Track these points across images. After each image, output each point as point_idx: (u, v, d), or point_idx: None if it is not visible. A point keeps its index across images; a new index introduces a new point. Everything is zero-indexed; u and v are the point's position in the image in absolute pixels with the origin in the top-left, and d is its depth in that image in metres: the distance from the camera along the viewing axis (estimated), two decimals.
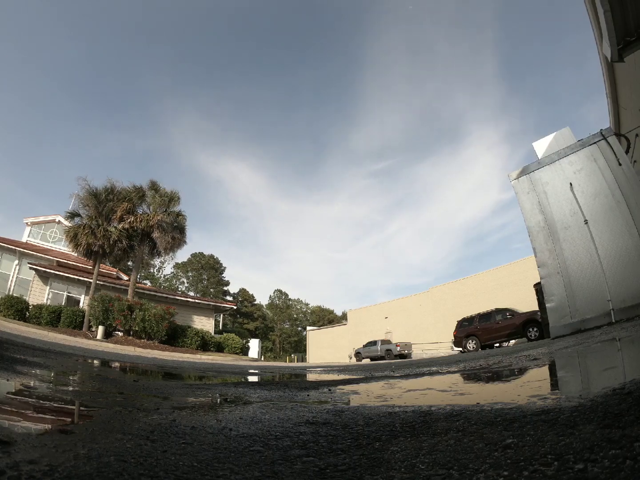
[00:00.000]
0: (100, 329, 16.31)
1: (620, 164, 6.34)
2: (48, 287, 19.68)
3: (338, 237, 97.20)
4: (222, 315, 31.49)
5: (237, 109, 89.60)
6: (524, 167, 7.79)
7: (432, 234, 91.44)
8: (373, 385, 3.51)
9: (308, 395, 2.81)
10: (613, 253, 6.05)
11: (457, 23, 73.16)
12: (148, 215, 19.67)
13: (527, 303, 15.81)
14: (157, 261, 46.81)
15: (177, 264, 54.41)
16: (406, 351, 23.19)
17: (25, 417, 1.46)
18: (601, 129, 6.83)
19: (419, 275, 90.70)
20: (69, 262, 21.65)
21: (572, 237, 6.62)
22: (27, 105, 69.07)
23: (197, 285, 58.36)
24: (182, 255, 70.61)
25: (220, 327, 30.72)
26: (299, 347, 57.28)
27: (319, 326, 47.41)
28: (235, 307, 33.76)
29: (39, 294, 19.22)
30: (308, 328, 45.27)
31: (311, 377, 6.02)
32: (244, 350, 23.82)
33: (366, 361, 21.76)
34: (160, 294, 23.88)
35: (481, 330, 14.92)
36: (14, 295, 17.60)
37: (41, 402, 1.89)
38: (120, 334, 17.12)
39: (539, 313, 11.15)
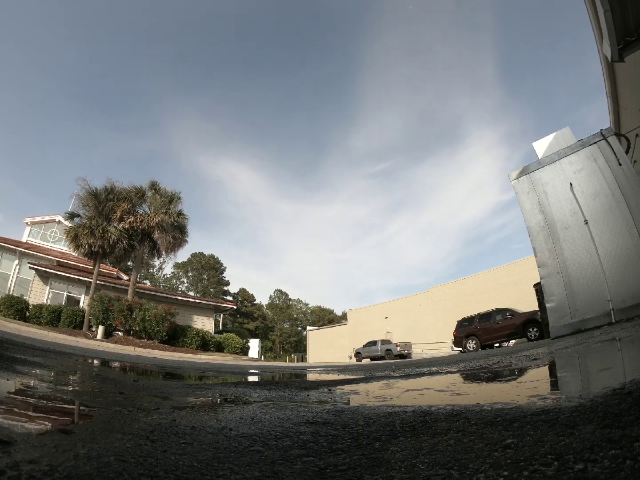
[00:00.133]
0: (100, 328, 16.32)
1: (620, 164, 6.33)
2: (48, 287, 19.69)
3: (338, 237, 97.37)
4: (222, 315, 31.50)
5: (236, 109, 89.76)
6: (524, 167, 7.79)
7: (432, 235, 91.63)
8: (373, 385, 3.51)
9: (308, 395, 2.81)
10: (613, 253, 6.05)
11: (456, 24, 73.25)
12: (148, 216, 19.67)
13: (527, 303, 15.81)
14: (157, 261, 46.84)
15: (177, 264, 54.46)
16: (406, 351, 23.19)
17: (25, 417, 1.46)
18: (601, 129, 6.82)
19: (419, 276, 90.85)
20: (69, 262, 21.65)
21: (572, 237, 6.62)
22: (27, 105, 69.15)
23: (197, 285, 58.39)
24: (182, 255, 70.75)
25: (221, 327, 30.73)
26: (299, 347, 57.28)
27: (319, 326, 47.41)
28: (235, 307, 33.77)
29: (39, 294, 19.22)
30: (308, 328, 45.27)
31: (311, 377, 6.02)
32: (244, 350, 23.82)
33: (366, 361, 21.76)
34: (160, 294, 23.88)
35: (481, 330, 14.91)
36: (14, 295, 17.61)
37: (41, 401, 1.89)
38: (120, 333, 17.12)
39: (539, 313, 11.15)
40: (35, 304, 17.49)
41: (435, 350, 24.31)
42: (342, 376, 5.47)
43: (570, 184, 6.86)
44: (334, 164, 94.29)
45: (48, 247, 23.41)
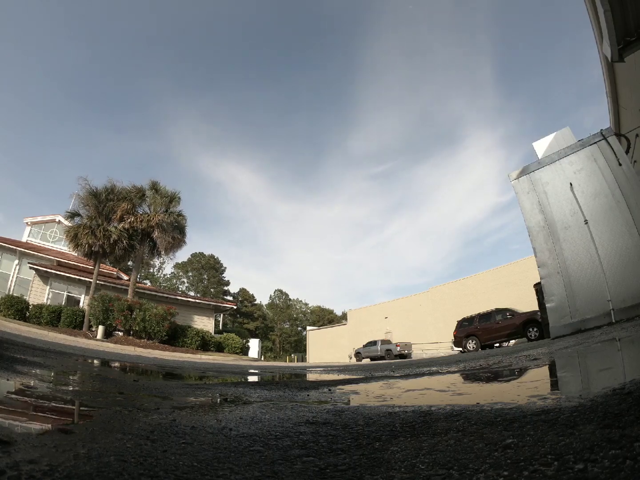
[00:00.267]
0: (101, 328, 16.32)
1: (620, 164, 6.33)
2: (48, 287, 19.69)
3: (338, 238, 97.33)
4: (222, 315, 31.51)
5: (236, 110, 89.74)
6: (524, 167, 7.79)
7: (432, 235, 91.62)
8: (373, 385, 3.51)
9: (308, 395, 2.81)
10: (613, 253, 6.05)
11: (455, 25, 73.25)
12: (148, 216, 19.67)
13: (527, 303, 15.81)
14: (157, 261, 46.87)
15: (177, 263, 54.50)
16: (406, 351, 23.19)
17: (25, 417, 1.46)
18: (601, 129, 6.82)
19: (419, 276, 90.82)
20: (69, 262, 21.65)
21: (572, 237, 6.62)
22: (27, 105, 69.15)
23: (197, 285, 58.38)
24: (182, 255, 70.70)
25: (221, 327, 30.73)
26: (299, 347, 57.27)
27: (319, 326, 47.40)
28: (235, 307, 33.78)
29: (39, 294, 19.22)
30: (308, 328, 45.26)
31: (311, 377, 6.02)
32: (244, 350, 23.82)
33: (366, 361, 21.76)
34: (160, 294, 23.88)
35: (481, 330, 14.91)
36: (14, 295, 17.61)
37: (41, 401, 1.89)
38: (121, 333, 17.12)
39: (539, 313, 11.15)
40: (35, 304, 17.49)
41: (435, 350, 24.31)
42: (342, 376, 5.48)
43: (570, 184, 6.86)
44: (333, 165, 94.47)
45: (48, 247, 23.41)
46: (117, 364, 6.33)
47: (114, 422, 1.43)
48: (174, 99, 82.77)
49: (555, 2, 62.67)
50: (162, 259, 26.91)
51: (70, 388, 2.66)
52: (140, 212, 20.19)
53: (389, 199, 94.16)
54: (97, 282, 18.63)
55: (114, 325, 16.87)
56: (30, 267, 18.98)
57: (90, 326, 17.02)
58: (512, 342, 14.83)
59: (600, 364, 2.81)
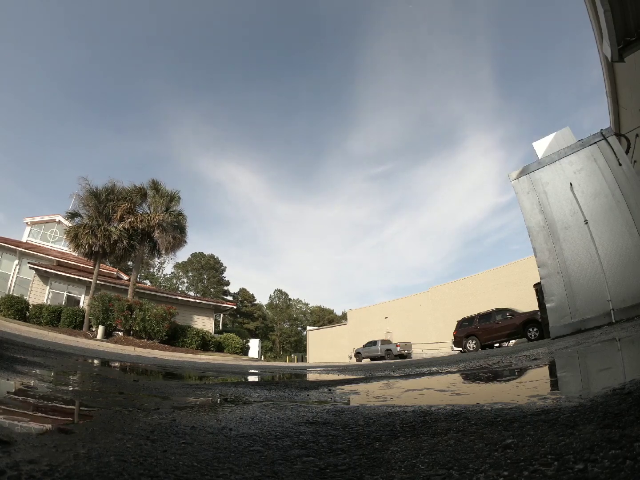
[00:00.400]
0: (100, 328, 16.31)
1: (620, 164, 6.33)
2: (48, 287, 19.69)
3: (338, 238, 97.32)
4: (222, 315, 31.50)
5: (236, 111, 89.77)
6: (524, 167, 7.79)
7: (432, 235, 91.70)
8: (373, 385, 3.51)
9: (308, 395, 2.81)
10: (613, 253, 6.05)
11: (454, 26, 73.26)
12: (149, 215, 19.66)
13: (527, 303, 15.81)
14: (157, 261, 46.88)
15: (177, 263, 54.49)
16: (406, 351, 23.19)
17: (25, 417, 1.46)
18: (601, 129, 6.82)
19: (419, 276, 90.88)
20: (69, 262, 21.65)
21: (572, 237, 6.62)
22: (28, 105, 69.15)
23: (197, 285, 58.37)
24: (182, 255, 70.74)
25: (221, 327, 30.74)
26: (299, 347, 57.27)
27: (319, 326, 47.40)
28: (235, 307, 33.77)
29: (39, 294, 19.22)
30: (308, 328, 45.25)
31: (311, 377, 6.02)
32: (244, 350, 23.82)
33: (366, 361, 21.76)
34: (160, 294, 23.88)
35: (481, 330, 14.91)
36: (14, 295, 17.61)
37: (41, 401, 1.89)
38: (121, 333, 17.12)
39: (539, 313, 11.15)
40: (35, 304, 17.49)
41: (435, 350, 24.31)
42: (342, 376, 5.47)
43: (570, 184, 6.86)
44: (333, 165, 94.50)
45: (48, 247, 23.41)
46: (117, 364, 6.33)
47: (114, 422, 1.43)
48: (174, 99, 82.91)
49: (555, 2, 62.72)
50: (162, 258, 26.91)
51: (70, 388, 2.66)
52: (141, 212, 20.18)
53: (388, 200, 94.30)
54: (97, 282, 18.62)
55: (114, 325, 16.87)
56: (30, 267, 18.98)
57: (90, 326, 17.02)
58: (512, 342, 14.82)
59: (600, 364, 2.81)
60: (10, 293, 18.37)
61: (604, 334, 4.62)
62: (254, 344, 31.02)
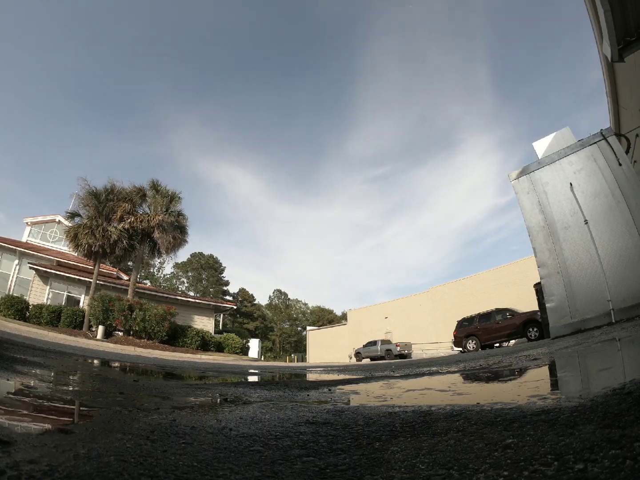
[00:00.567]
0: (100, 328, 16.31)
1: (620, 164, 6.33)
2: (48, 287, 19.69)
3: (338, 238, 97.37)
4: (222, 315, 31.49)
5: (236, 113, 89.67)
6: (524, 167, 7.79)
7: (431, 236, 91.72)
8: (373, 385, 3.51)
9: (308, 395, 2.81)
10: (613, 253, 6.05)
11: (451, 28, 73.28)
12: (149, 216, 19.66)
13: (527, 303, 15.81)
14: (157, 261, 46.85)
15: (177, 263, 54.37)
16: (406, 351, 23.19)
17: (25, 417, 1.46)
18: (601, 129, 6.82)
19: (418, 276, 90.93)
20: (69, 262, 21.65)
21: (572, 237, 6.62)
22: (28, 105, 69.14)
23: (197, 285, 58.36)
24: (182, 255, 70.80)
25: (220, 327, 30.73)
26: (299, 347, 57.26)
27: (319, 326, 47.39)
28: (235, 307, 33.76)
29: (39, 294, 19.22)
30: (308, 328, 45.24)
31: (311, 377, 6.02)
32: (244, 350, 23.82)
33: (366, 361, 21.76)
34: (160, 294, 23.88)
35: (481, 330, 14.91)
36: (14, 295, 17.61)
37: (41, 401, 1.89)
38: (121, 333, 17.12)
39: (539, 313, 11.15)
40: (35, 304, 17.48)
41: (435, 350, 24.30)
42: (342, 376, 5.47)
43: (570, 184, 6.86)
44: (333, 167, 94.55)
45: (48, 247, 23.41)
46: (117, 364, 6.33)
47: (114, 422, 1.43)
48: (175, 100, 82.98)
49: (555, 2, 62.67)
50: (162, 258, 26.86)
51: (70, 388, 2.66)
52: (141, 212, 20.18)
53: (388, 201, 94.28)
54: (97, 282, 18.62)
55: (114, 325, 16.86)
56: (30, 267, 18.98)
57: (90, 326, 17.02)
58: (512, 342, 14.82)
59: (600, 364, 2.81)
60: (10, 293, 18.37)
61: (604, 334, 4.62)
62: (254, 344, 31.02)
